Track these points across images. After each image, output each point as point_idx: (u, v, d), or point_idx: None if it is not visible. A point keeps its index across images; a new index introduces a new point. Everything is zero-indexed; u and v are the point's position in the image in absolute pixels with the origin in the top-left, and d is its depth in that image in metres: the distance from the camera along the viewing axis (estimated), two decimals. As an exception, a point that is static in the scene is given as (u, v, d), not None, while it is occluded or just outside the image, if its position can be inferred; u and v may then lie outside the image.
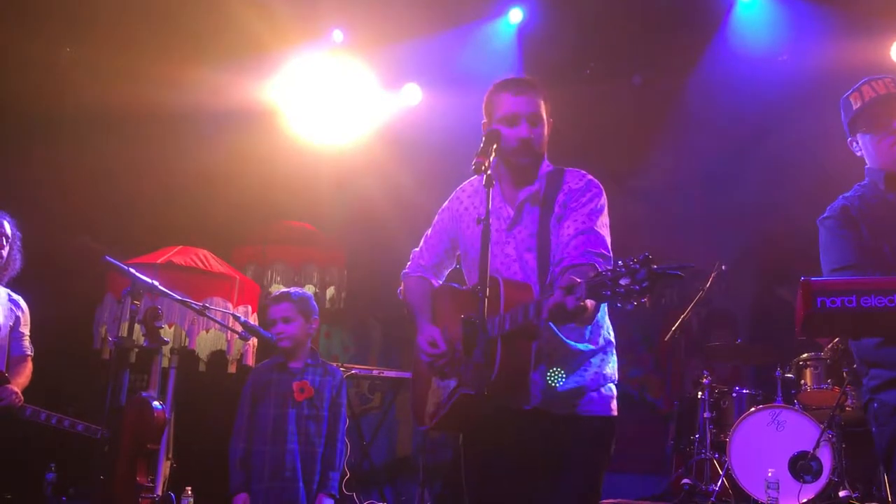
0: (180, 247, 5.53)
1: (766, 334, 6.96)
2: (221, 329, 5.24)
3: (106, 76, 5.91)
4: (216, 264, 5.54)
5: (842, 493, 5.06)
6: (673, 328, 6.43)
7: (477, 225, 2.60)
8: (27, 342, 4.55)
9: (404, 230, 6.12)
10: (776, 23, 6.27)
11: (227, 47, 6.07)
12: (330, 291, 7.00)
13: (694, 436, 6.03)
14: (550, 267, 2.72)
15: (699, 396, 6.06)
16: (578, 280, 2.29)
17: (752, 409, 5.54)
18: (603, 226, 2.77)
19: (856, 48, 5.90)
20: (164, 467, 5.07)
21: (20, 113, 5.88)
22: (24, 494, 5.16)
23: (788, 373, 5.91)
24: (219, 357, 5.58)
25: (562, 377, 2.70)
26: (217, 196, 6.45)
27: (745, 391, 6.06)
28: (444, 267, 3.14)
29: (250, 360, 5.45)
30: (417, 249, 3.18)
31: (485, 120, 2.91)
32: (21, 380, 4.40)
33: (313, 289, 6.72)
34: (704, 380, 6.04)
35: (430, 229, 3.15)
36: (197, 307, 4.20)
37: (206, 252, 5.57)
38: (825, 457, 5.20)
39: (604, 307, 2.80)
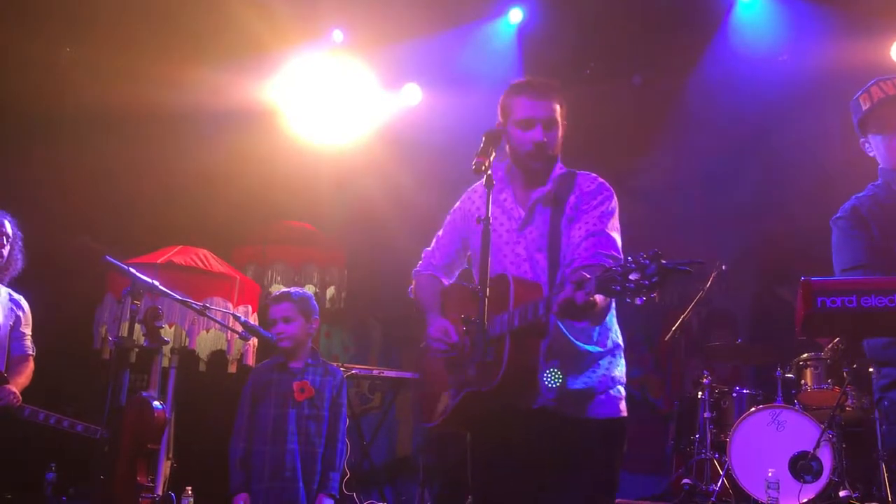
0: (180, 247, 5.53)
1: (766, 334, 6.96)
2: (222, 329, 5.24)
3: (106, 76, 5.91)
4: (216, 264, 5.53)
5: (842, 493, 5.05)
6: (673, 328, 6.43)
7: (477, 224, 2.61)
8: (28, 342, 4.53)
9: (404, 230, 6.14)
10: (776, 23, 6.27)
11: (227, 47, 6.07)
12: (330, 291, 7.00)
13: (694, 436, 6.03)
14: (561, 268, 2.73)
15: (699, 396, 6.05)
16: (588, 276, 2.29)
17: (753, 409, 5.54)
18: (614, 228, 2.78)
19: (856, 48, 5.89)
20: (165, 467, 5.06)
21: (20, 113, 5.88)
22: (24, 494, 5.16)
23: (789, 373, 5.90)
24: (219, 357, 5.58)
25: (569, 377, 2.69)
26: (217, 196, 6.45)
27: (745, 391, 6.06)
28: (455, 266, 3.15)
29: (250, 360, 5.45)
30: (429, 249, 3.18)
31: (500, 120, 2.91)
32: (21, 380, 4.39)
33: (313, 289, 6.72)
34: (704, 380, 6.04)
35: (441, 229, 3.16)
36: (197, 307, 4.19)
37: (206, 252, 5.56)
38: (825, 457, 5.19)
39: (612, 310, 2.81)
